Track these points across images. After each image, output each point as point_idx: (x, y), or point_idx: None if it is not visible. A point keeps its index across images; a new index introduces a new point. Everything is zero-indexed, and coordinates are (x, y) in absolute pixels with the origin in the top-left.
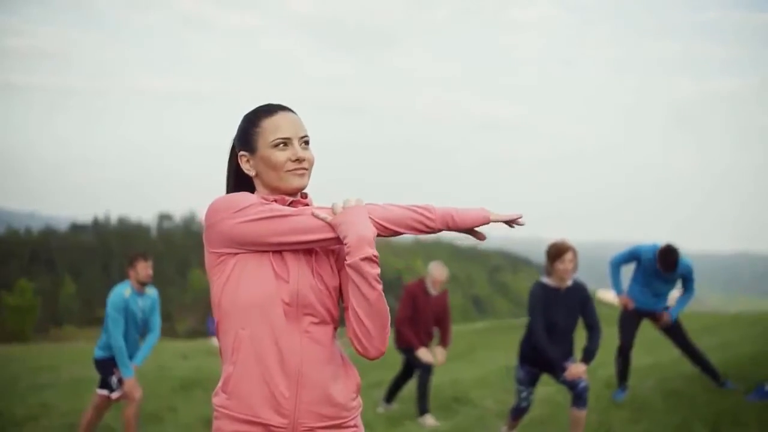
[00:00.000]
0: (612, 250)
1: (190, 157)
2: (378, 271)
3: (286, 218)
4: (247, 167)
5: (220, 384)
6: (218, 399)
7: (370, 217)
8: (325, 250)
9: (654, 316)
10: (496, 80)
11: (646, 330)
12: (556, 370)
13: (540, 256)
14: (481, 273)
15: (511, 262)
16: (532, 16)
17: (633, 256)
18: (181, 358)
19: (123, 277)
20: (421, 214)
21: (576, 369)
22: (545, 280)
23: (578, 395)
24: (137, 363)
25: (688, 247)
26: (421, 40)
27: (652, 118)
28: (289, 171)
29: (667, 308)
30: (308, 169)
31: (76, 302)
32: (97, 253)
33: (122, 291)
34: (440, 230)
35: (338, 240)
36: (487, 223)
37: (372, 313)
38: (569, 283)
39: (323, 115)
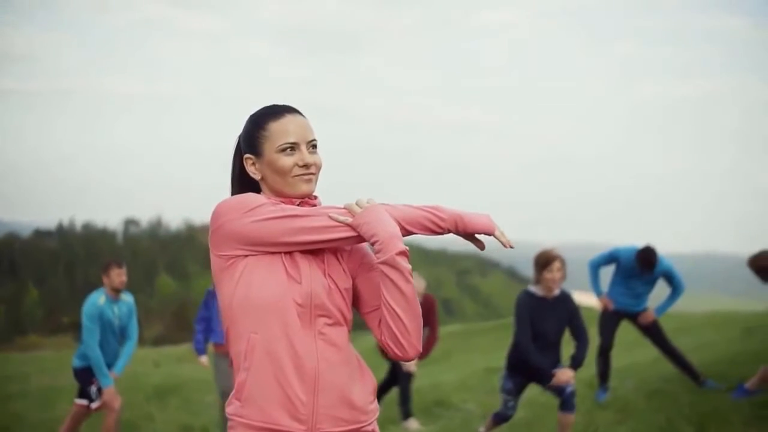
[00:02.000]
0: (579, 253)
1: (157, 161)
2: (410, 266)
3: (301, 218)
4: (253, 170)
5: (233, 394)
6: (232, 408)
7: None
8: (335, 252)
9: (634, 317)
10: (465, 84)
11: (625, 331)
12: (544, 378)
13: (509, 259)
14: (450, 276)
15: (480, 265)
16: (502, 21)
17: (612, 257)
18: (153, 366)
19: (88, 284)
20: (434, 215)
21: (563, 375)
22: (533, 289)
23: (566, 400)
24: (117, 372)
25: (664, 250)
26: (390, 44)
27: (619, 122)
28: (297, 176)
29: (646, 309)
30: (315, 174)
31: (39, 310)
32: (62, 259)
33: (96, 299)
34: (449, 232)
35: (356, 240)
36: (491, 234)
37: (409, 308)
38: (556, 292)
39: None
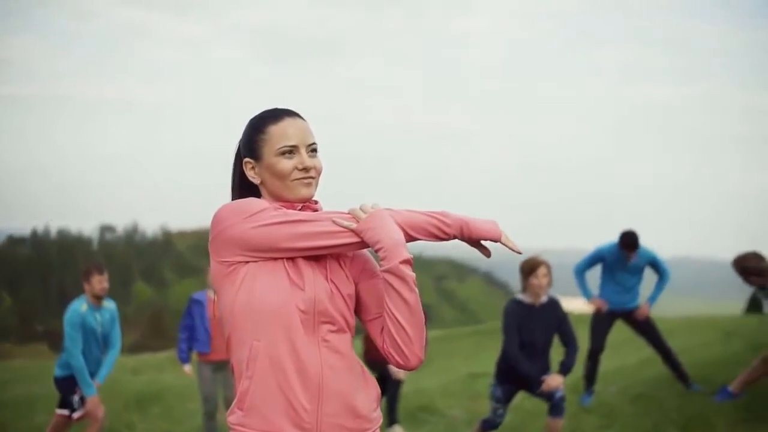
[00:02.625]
0: (565, 258)
1: (134, 167)
2: (414, 274)
3: (304, 223)
4: (252, 175)
5: (235, 402)
6: (234, 417)
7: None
8: (338, 258)
9: (629, 314)
10: (446, 90)
11: (610, 334)
12: (533, 385)
13: (487, 264)
14: (427, 281)
15: (457, 269)
16: (481, 27)
17: (596, 257)
18: (131, 373)
19: (63, 291)
20: (439, 220)
21: (553, 380)
22: (520, 296)
23: (555, 405)
24: (99, 380)
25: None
26: (370, 50)
27: (599, 126)
28: (296, 180)
29: (639, 305)
30: (315, 178)
31: (13, 318)
32: (36, 266)
33: (78, 307)
34: (454, 237)
35: (359, 245)
36: (497, 240)
37: (412, 317)
38: (544, 299)
39: None
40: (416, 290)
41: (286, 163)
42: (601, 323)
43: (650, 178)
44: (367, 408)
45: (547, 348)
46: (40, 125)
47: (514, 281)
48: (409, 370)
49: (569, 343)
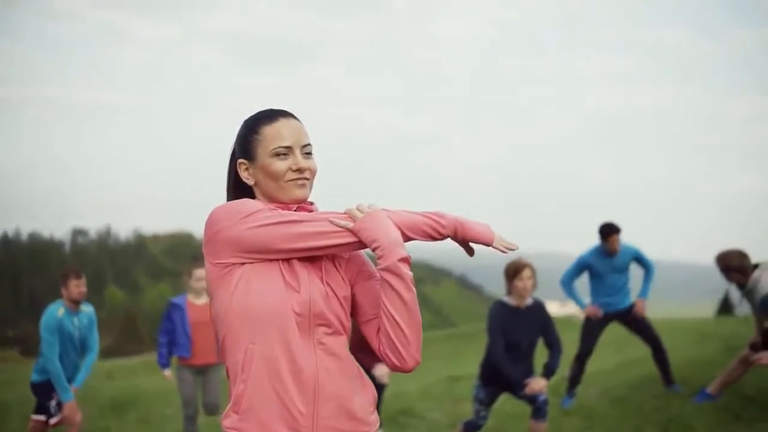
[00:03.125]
0: (536, 261)
1: (107, 171)
2: (412, 274)
3: (300, 223)
4: (246, 176)
5: (230, 405)
6: (229, 421)
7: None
8: (333, 259)
9: (623, 314)
10: (417, 95)
11: (610, 334)
12: (517, 388)
13: (461, 268)
14: None
15: (432, 273)
16: (454, 32)
17: (580, 266)
18: (106, 378)
19: (34, 296)
20: (435, 221)
21: (537, 383)
22: (505, 299)
23: (538, 408)
24: (77, 385)
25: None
26: (343, 54)
27: (575, 131)
28: (290, 181)
29: (631, 305)
30: (310, 179)
31: None
32: (6, 270)
33: (55, 311)
34: (447, 237)
35: (357, 245)
36: (489, 244)
37: (410, 317)
38: (529, 301)
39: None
40: (414, 290)
41: (280, 164)
42: (593, 327)
43: (623, 181)
44: (363, 410)
45: (531, 350)
46: (12, 128)
47: (488, 284)
48: (405, 371)
49: (553, 345)
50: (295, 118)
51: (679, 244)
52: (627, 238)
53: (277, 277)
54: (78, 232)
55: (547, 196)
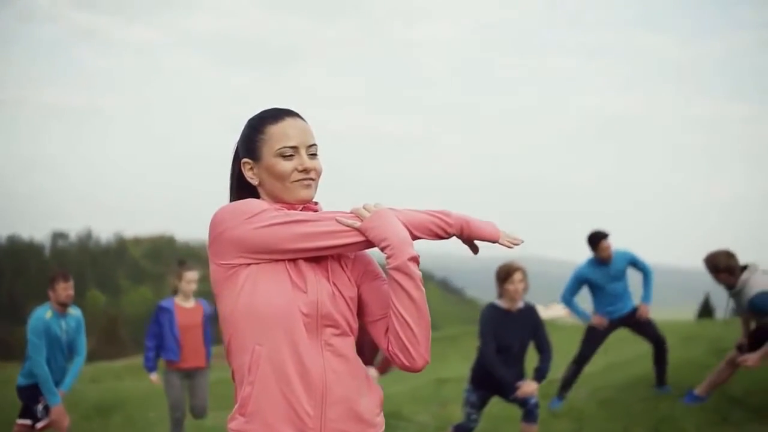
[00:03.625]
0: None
1: (87, 173)
2: (421, 273)
3: (306, 222)
4: (251, 175)
5: (236, 408)
6: (236, 423)
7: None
8: (339, 259)
9: (629, 318)
10: (398, 97)
11: (575, 340)
12: (508, 390)
13: (443, 271)
14: None
15: None
16: (434, 35)
17: (578, 281)
18: (90, 382)
19: (13, 299)
20: (441, 219)
21: (528, 387)
22: (497, 301)
23: (529, 411)
24: (64, 389)
25: (583, 260)
26: (322, 57)
27: (551, 133)
28: (296, 181)
29: (634, 309)
30: (315, 180)
31: None
32: None
33: (42, 314)
34: (454, 236)
35: (365, 245)
36: (495, 241)
37: (420, 317)
38: (520, 305)
39: (223, 132)
40: (423, 289)
41: (285, 165)
42: (598, 334)
43: (603, 184)
44: (370, 412)
45: (523, 354)
46: None
47: (469, 288)
48: (414, 371)
49: (544, 349)
50: (301, 117)
51: (663, 248)
52: (611, 239)
53: (283, 278)
54: (58, 235)
55: (532, 200)
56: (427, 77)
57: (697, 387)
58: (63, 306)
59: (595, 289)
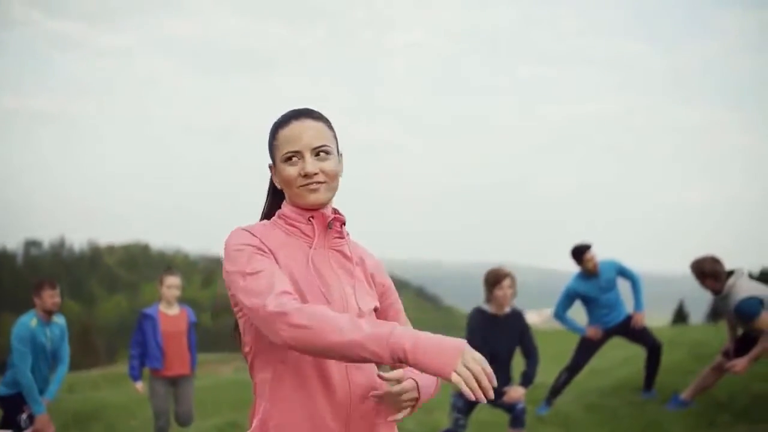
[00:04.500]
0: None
1: (59, 181)
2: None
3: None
4: (276, 181)
5: (256, 424)
6: None
7: None
8: (365, 272)
9: (623, 327)
10: (373, 104)
11: (561, 345)
12: (495, 395)
13: (418, 279)
14: None
15: None
16: (409, 42)
17: (569, 296)
18: (67, 391)
19: None
20: (370, 348)
21: (515, 392)
22: (484, 306)
23: (516, 417)
24: (49, 397)
25: (559, 267)
26: (298, 63)
27: (525, 141)
28: (301, 187)
29: (628, 317)
30: (325, 183)
31: None
32: None
33: (28, 321)
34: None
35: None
36: (447, 379)
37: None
38: (507, 309)
39: (198, 137)
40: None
41: (290, 170)
42: (591, 343)
43: (575, 194)
44: (389, 426)
45: (510, 359)
46: None
47: (445, 296)
48: None
49: (531, 354)
50: (312, 117)
51: (636, 254)
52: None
53: (310, 291)
54: (31, 244)
55: (506, 208)
56: (400, 84)
57: (683, 392)
58: (48, 314)
59: (589, 302)
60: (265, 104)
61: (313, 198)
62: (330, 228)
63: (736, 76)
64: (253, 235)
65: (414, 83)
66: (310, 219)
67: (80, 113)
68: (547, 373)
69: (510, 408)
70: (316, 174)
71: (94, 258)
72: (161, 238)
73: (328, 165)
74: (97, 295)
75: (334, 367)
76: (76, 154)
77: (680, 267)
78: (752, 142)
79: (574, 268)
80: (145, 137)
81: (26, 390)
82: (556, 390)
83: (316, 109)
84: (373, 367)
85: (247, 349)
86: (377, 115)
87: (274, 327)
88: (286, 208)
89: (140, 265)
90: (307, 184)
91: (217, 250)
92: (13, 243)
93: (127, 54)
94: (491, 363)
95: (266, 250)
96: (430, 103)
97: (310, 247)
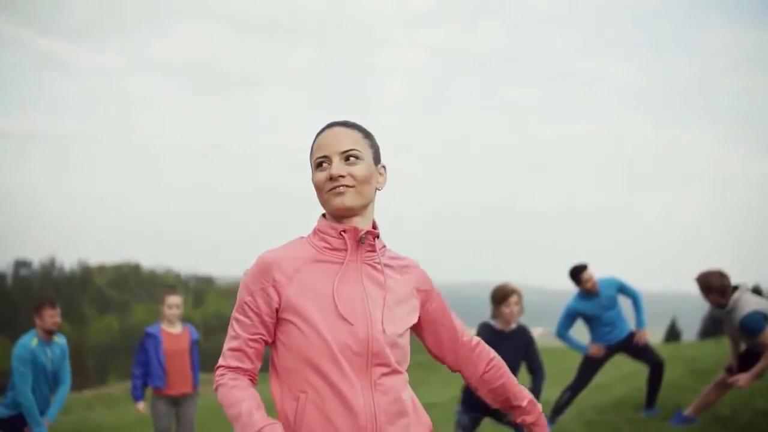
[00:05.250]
0: (468, 290)
1: (49, 200)
2: None
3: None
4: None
5: None
6: None
7: None
8: (404, 281)
9: (626, 343)
10: (363, 124)
11: (560, 362)
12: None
13: None
14: None
15: None
16: (398, 62)
17: (570, 315)
18: (63, 413)
19: None
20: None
21: None
22: (491, 322)
23: None
24: (50, 419)
25: (549, 286)
26: (288, 83)
27: (515, 160)
28: (329, 191)
29: (630, 334)
30: (352, 186)
31: None
32: None
33: (28, 342)
34: None
35: None
36: None
37: None
38: (513, 326)
39: (188, 157)
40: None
41: (319, 175)
42: (594, 360)
43: (562, 213)
44: None
45: (515, 374)
46: None
47: None
48: None
49: (536, 370)
50: (346, 126)
51: (625, 271)
52: (569, 264)
53: (331, 315)
54: (20, 264)
55: (493, 227)
56: (390, 104)
57: (687, 408)
58: (49, 333)
59: (591, 320)
60: (255, 124)
61: (339, 201)
62: (362, 242)
63: (720, 93)
64: (265, 270)
65: (404, 103)
66: (342, 233)
67: (70, 133)
68: (545, 391)
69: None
70: (342, 177)
71: (85, 278)
72: (152, 258)
73: (358, 169)
74: (88, 315)
75: (359, 390)
76: (66, 174)
77: (671, 285)
78: (738, 162)
79: (564, 286)
80: (135, 157)
81: (27, 411)
82: (559, 408)
83: (355, 121)
84: (399, 388)
85: (271, 376)
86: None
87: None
88: (321, 221)
89: (131, 285)
90: (334, 188)
91: (207, 269)
92: (3, 263)
93: (118, 74)
94: None
95: (267, 294)
96: (420, 123)
97: (342, 263)
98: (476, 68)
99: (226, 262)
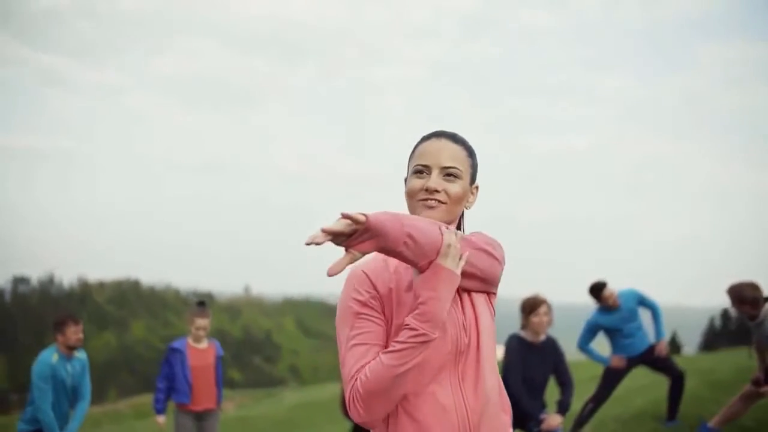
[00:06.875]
0: None
1: (47, 217)
2: None
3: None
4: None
5: None
6: None
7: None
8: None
9: (647, 355)
10: (360, 139)
11: (577, 373)
12: (531, 423)
13: None
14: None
15: None
16: (397, 77)
17: (592, 329)
18: None
19: None
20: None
21: (553, 420)
22: (521, 333)
23: None
24: None
25: (553, 299)
26: (286, 99)
27: (511, 174)
28: (420, 200)
29: (650, 346)
30: (446, 203)
31: None
32: None
33: (49, 357)
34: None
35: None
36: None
37: None
38: (543, 337)
39: (187, 173)
40: None
41: (414, 182)
42: (616, 373)
43: (562, 225)
44: None
45: (544, 386)
46: None
47: None
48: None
49: (566, 382)
50: (453, 140)
51: (624, 285)
52: (570, 278)
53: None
54: (19, 280)
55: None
56: (389, 119)
57: (711, 420)
58: (71, 349)
59: (612, 333)
60: (254, 140)
61: (428, 214)
62: None
63: (720, 107)
64: (365, 281)
65: (403, 118)
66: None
67: (69, 149)
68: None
69: None
70: (438, 192)
71: (84, 294)
72: (152, 274)
73: (453, 187)
74: (87, 331)
75: (450, 392)
76: (65, 190)
77: (671, 299)
78: (741, 175)
79: (565, 299)
80: (134, 173)
81: (46, 428)
82: (581, 421)
83: (461, 135)
84: (490, 384)
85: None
86: (366, 151)
87: (349, 408)
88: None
89: (130, 302)
90: (426, 199)
91: (207, 285)
92: (1, 279)
93: (119, 91)
94: (526, 389)
95: (373, 305)
96: (415, 137)
97: None
98: (476, 82)
99: (226, 278)
